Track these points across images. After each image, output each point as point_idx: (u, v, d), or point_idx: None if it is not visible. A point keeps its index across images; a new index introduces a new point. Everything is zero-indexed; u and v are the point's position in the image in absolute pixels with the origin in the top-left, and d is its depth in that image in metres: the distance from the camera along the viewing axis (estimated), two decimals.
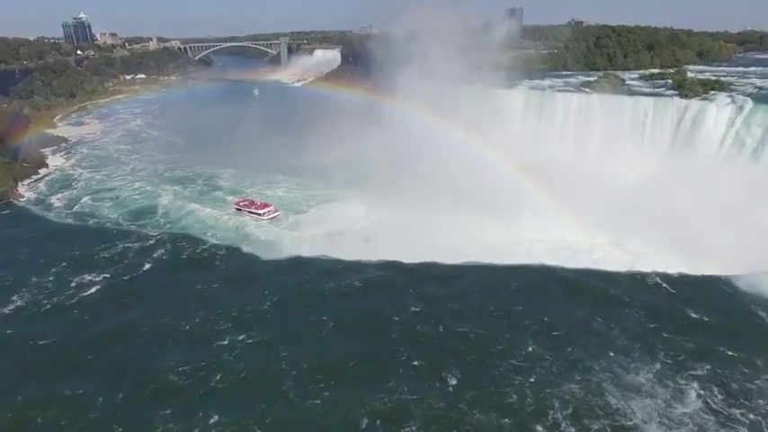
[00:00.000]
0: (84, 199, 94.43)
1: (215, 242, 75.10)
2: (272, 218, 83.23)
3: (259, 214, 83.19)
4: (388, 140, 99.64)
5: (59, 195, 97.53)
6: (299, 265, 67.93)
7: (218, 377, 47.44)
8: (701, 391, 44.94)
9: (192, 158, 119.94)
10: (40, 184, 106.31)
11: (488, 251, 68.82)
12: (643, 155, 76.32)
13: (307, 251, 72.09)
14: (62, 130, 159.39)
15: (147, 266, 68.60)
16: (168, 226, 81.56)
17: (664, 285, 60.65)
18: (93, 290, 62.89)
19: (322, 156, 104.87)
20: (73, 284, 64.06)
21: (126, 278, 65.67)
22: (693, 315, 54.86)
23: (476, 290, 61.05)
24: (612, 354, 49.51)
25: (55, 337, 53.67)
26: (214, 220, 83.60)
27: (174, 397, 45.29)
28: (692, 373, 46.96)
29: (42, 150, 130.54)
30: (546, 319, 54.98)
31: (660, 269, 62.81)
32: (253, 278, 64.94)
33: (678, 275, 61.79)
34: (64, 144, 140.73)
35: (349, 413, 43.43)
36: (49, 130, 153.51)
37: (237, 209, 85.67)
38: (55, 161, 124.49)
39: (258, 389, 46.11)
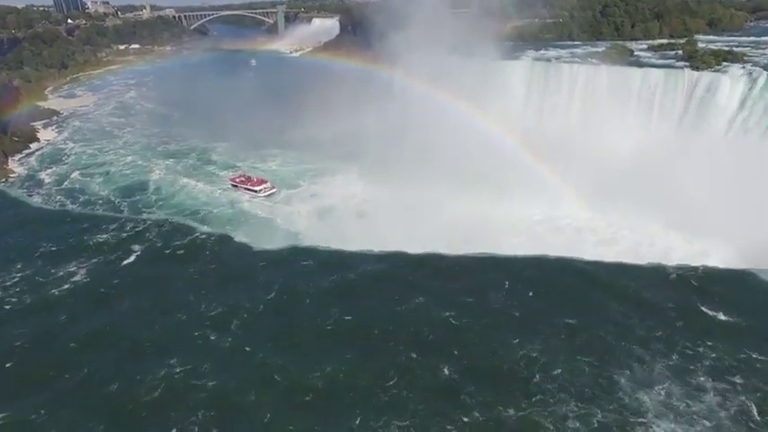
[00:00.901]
0: (74, 174, 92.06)
1: (205, 229, 69.80)
2: (268, 194, 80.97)
3: (255, 191, 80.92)
4: (387, 113, 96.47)
5: (49, 171, 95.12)
6: (293, 258, 62.58)
7: (200, 397, 42.41)
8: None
9: (187, 132, 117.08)
10: (31, 159, 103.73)
11: (490, 230, 66.82)
12: (652, 130, 73.36)
13: (300, 229, 70.01)
14: (53, 102, 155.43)
15: (133, 257, 63.91)
16: (160, 203, 79.44)
17: (684, 276, 55.91)
18: (71, 285, 58.03)
19: (319, 128, 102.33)
20: (50, 279, 59.31)
21: (108, 271, 60.76)
22: (721, 317, 50.28)
23: (487, 286, 55.89)
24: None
25: (22, 344, 48.80)
26: (206, 197, 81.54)
27: (148, 419, 40.88)
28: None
29: (33, 124, 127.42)
30: (571, 321, 49.81)
31: (677, 256, 59.84)
32: (244, 273, 59.80)
33: (697, 265, 57.79)
34: (55, 117, 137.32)
35: None
36: (40, 103, 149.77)
37: (233, 185, 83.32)
38: (46, 135, 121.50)
39: (238, 411, 41.36)
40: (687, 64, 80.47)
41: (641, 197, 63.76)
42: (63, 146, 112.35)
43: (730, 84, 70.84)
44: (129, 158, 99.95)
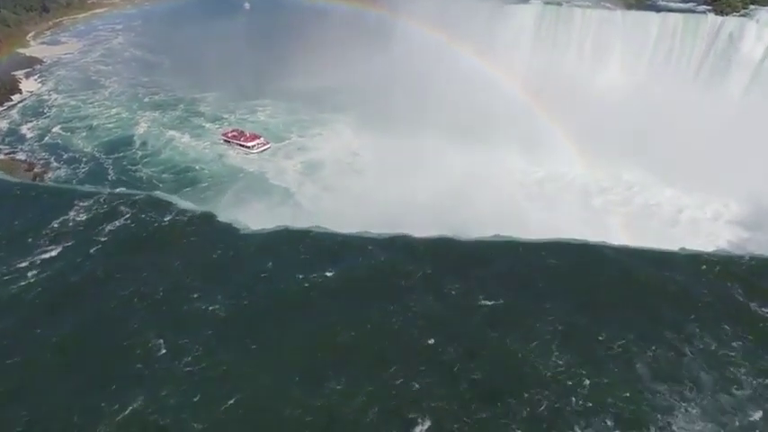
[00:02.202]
0: (56, 128, 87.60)
1: (187, 206, 59.23)
2: (261, 151, 77.29)
3: (248, 147, 77.12)
4: (387, 60, 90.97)
5: (30, 125, 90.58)
6: (283, 244, 52.71)
7: None
8: None
9: (176, 81, 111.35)
10: (13, 112, 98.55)
11: (494, 186, 63.53)
12: (667, 82, 68.20)
13: (290, 187, 67.29)
14: (36, 49, 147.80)
15: (101, 244, 53.58)
16: (146, 160, 76.02)
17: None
18: (25, 283, 48.13)
19: (315, 77, 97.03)
20: (4, 276, 49.01)
21: (71, 263, 50.83)
22: None
23: (503, 279, 47.20)
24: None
25: None
26: (195, 152, 78.10)
27: None
28: None
29: (15, 73, 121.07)
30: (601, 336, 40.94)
31: (691, 221, 57.00)
32: (226, 263, 50.11)
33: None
34: (38, 66, 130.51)
35: None
36: (21, 50, 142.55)
37: (226, 140, 79.52)
38: (29, 86, 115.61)
39: None
40: (710, 8, 74.12)
41: (653, 156, 59.99)
42: (47, 97, 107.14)
43: (756, 30, 65.10)
44: (115, 110, 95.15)
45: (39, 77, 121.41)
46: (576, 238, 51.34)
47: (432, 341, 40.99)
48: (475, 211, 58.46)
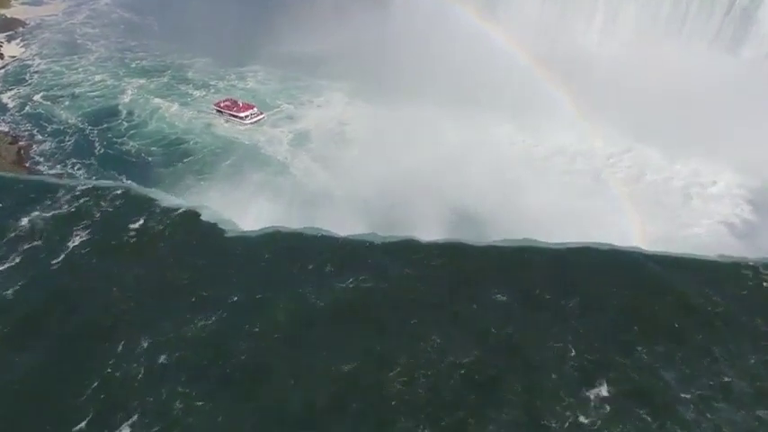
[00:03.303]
0: (38, 97, 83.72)
1: (167, 203, 52.11)
2: (254, 121, 74.05)
3: (240, 118, 73.81)
4: (387, 25, 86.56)
5: (12, 93, 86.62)
6: (273, 252, 45.50)
7: None
8: None
9: (164, 45, 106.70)
10: None
11: (497, 162, 60.68)
12: (682, 50, 64.20)
13: (280, 160, 64.83)
14: (18, 10, 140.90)
15: (68, 250, 46.49)
16: (132, 132, 72.98)
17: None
18: None
19: (307, 41, 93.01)
20: None
21: (31, 275, 43.50)
22: None
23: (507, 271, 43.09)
24: None
25: None
26: (183, 123, 75.09)
27: None
28: None
29: None
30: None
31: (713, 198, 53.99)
32: (208, 276, 43.03)
33: None
34: (21, 29, 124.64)
35: None
36: (2, 11, 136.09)
37: (218, 110, 76.26)
38: (11, 50, 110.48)
39: None
40: None
41: (667, 126, 56.92)
42: (30, 62, 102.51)
43: None
44: (99, 77, 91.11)
45: (21, 41, 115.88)
46: (601, 241, 45.87)
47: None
48: (475, 190, 55.88)
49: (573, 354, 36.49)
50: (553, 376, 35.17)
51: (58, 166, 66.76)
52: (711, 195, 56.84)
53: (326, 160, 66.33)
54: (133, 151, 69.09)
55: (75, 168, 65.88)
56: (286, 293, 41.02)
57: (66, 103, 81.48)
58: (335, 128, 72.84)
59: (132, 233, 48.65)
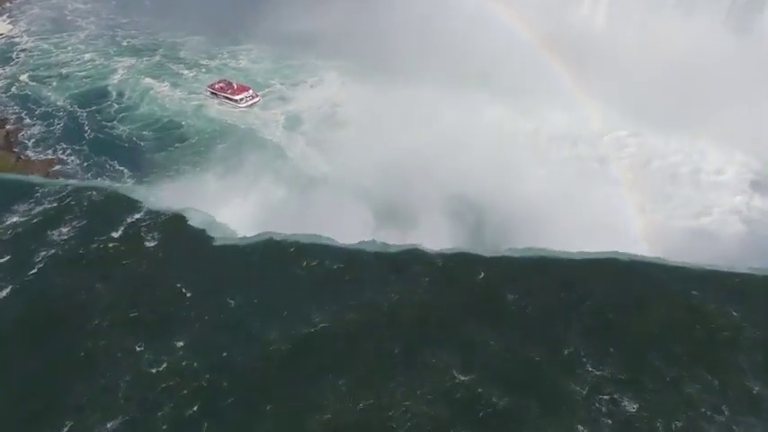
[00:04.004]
0: (24, 77, 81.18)
1: (153, 205, 48.88)
2: (250, 104, 71.76)
3: (235, 101, 71.48)
4: (383, 1, 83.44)
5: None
6: (264, 261, 42.77)
7: None
8: None
9: (157, 22, 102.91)
10: None
11: (498, 147, 58.78)
12: (693, 26, 61.41)
13: (273, 143, 63.26)
14: None
15: (39, 264, 42.52)
16: (122, 115, 70.91)
17: None
18: None
19: (303, 18, 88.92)
20: None
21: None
22: None
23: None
24: None
25: None
26: (174, 104, 73.01)
27: None
28: None
29: None
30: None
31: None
32: (193, 297, 39.19)
33: None
34: (8, 4, 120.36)
35: None
36: None
37: (212, 93, 73.85)
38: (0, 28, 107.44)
39: None
40: None
41: (673, 111, 54.79)
42: (18, 40, 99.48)
43: None
44: (89, 56, 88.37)
45: (8, 17, 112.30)
46: (614, 250, 43.41)
47: None
48: (474, 175, 54.31)
49: (591, 369, 34.94)
50: (575, 388, 33.74)
51: (49, 152, 65.19)
52: (719, 181, 55.12)
53: (322, 144, 64.77)
54: (124, 136, 67.32)
55: (66, 154, 64.29)
56: (279, 316, 37.68)
57: (54, 83, 79.14)
58: (330, 110, 70.78)
59: (113, 243, 44.76)
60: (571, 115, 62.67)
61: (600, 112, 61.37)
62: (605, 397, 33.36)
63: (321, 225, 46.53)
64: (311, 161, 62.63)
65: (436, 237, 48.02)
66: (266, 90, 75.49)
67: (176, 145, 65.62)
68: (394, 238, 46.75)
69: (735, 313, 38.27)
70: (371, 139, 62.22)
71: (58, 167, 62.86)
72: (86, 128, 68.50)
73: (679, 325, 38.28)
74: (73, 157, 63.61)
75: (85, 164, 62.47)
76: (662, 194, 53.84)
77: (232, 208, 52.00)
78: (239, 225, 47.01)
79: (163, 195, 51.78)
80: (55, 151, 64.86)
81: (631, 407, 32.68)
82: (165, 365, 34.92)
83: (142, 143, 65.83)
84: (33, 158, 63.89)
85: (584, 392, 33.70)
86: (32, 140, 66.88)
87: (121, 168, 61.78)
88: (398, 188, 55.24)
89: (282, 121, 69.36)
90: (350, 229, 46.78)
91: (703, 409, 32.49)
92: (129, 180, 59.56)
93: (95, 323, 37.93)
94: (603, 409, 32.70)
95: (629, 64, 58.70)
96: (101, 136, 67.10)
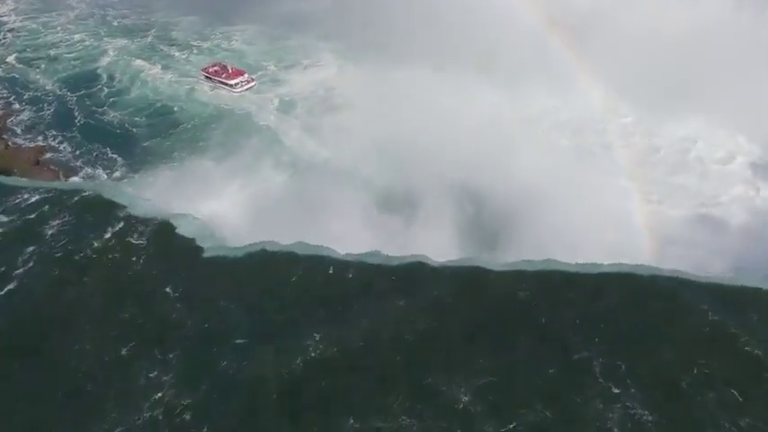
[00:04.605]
0: (11, 59, 78.84)
1: (138, 210, 44.81)
2: (246, 89, 69.81)
3: (230, 85, 69.51)
4: None
5: None
6: (257, 279, 38.99)
7: None
8: None
9: (151, 2, 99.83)
10: None
11: (498, 135, 57.32)
12: (697, 11, 59.46)
13: (267, 123, 62.07)
14: None
15: (15, 280, 38.85)
16: (113, 100, 69.14)
17: None
18: None
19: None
20: None
21: None
22: None
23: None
24: None
25: None
26: (167, 87, 71.29)
27: None
28: None
29: None
30: None
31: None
32: (178, 320, 35.93)
33: None
34: None
35: None
36: None
37: (207, 76, 71.83)
38: None
39: None
40: None
41: (689, 92, 53.44)
42: (6, 19, 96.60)
43: None
44: (78, 37, 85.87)
45: None
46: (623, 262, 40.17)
47: None
48: (473, 162, 53.01)
49: (608, 385, 32.39)
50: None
51: (39, 139, 63.68)
52: (724, 169, 53.91)
53: (319, 129, 63.14)
54: (116, 122, 65.72)
55: (57, 141, 62.85)
56: (273, 342, 34.11)
57: (43, 66, 77.03)
58: (326, 93, 69.00)
59: (95, 255, 40.40)
60: (573, 101, 61.16)
61: (602, 97, 59.84)
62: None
63: (321, 213, 46.01)
64: (308, 147, 61.20)
65: (437, 224, 47.31)
66: (260, 73, 73.45)
67: (170, 131, 63.98)
68: (395, 224, 46.16)
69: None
70: (369, 124, 60.88)
71: (48, 155, 61.46)
72: (76, 113, 66.83)
73: (701, 343, 35.38)
74: (64, 145, 62.13)
75: (77, 152, 61.04)
76: (665, 183, 52.68)
77: (231, 198, 51.35)
78: (236, 218, 45.93)
79: (156, 189, 50.34)
80: (45, 138, 63.34)
81: None
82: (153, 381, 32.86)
83: (135, 129, 64.26)
84: (23, 146, 62.40)
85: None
86: (21, 127, 65.36)
87: (114, 156, 60.36)
88: (398, 175, 54.29)
89: (277, 104, 67.68)
90: (350, 216, 46.42)
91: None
92: (122, 168, 58.30)
93: (77, 345, 35.12)
94: None
95: (633, 47, 56.81)
96: (92, 122, 65.45)
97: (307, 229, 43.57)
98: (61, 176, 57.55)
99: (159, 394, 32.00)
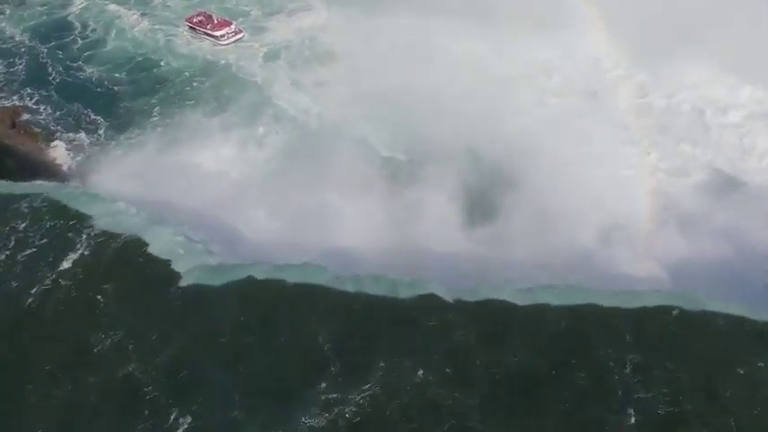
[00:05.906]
0: None
1: (103, 223, 35.22)
2: (232, 41, 65.19)
3: (215, 37, 64.73)
4: None
5: None
6: (239, 323, 30.57)
7: None
8: None
9: None
10: None
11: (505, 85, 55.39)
12: None
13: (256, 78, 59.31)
14: None
15: None
16: (88, 54, 64.18)
17: None
18: None
19: None
20: None
21: None
22: None
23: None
24: None
25: None
26: (146, 37, 66.10)
27: None
28: None
29: None
30: None
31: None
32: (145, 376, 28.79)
33: None
34: None
35: None
36: None
37: (190, 27, 66.67)
38: None
39: None
40: None
41: (705, 44, 51.47)
42: None
43: None
44: None
45: None
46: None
47: None
48: (484, 126, 51.22)
49: None
50: None
51: (14, 98, 59.91)
52: (729, 122, 52.98)
53: (312, 85, 59.88)
54: (94, 78, 61.58)
55: (33, 101, 59.20)
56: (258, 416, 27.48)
57: (8, 12, 70.70)
58: (315, 42, 64.53)
59: (79, 254, 32.94)
60: (576, 49, 58.59)
61: (608, 45, 57.36)
62: None
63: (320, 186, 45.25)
64: (301, 104, 58.36)
65: (440, 190, 46.29)
66: (241, 19, 67.92)
67: (155, 87, 60.31)
68: (396, 203, 45.24)
69: None
70: (362, 78, 58.28)
71: (26, 117, 58.21)
72: (50, 69, 62.34)
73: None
74: (42, 106, 58.51)
75: (57, 113, 57.70)
76: (667, 134, 51.78)
77: (224, 161, 50.59)
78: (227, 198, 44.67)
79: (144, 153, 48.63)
80: (21, 98, 59.58)
81: None
82: None
83: (116, 87, 60.35)
84: None
85: None
86: None
87: (97, 118, 57.34)
88: (397, 136, 52.74)
89: (268, 56, 63.41)
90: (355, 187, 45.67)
91: None
92: (107, 132, 55.51)
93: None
94: None
95: None
96: (68, 79, 61.31)
97: (307, 203, 43.40)
98: (41, 142, 55.17)
99: None
